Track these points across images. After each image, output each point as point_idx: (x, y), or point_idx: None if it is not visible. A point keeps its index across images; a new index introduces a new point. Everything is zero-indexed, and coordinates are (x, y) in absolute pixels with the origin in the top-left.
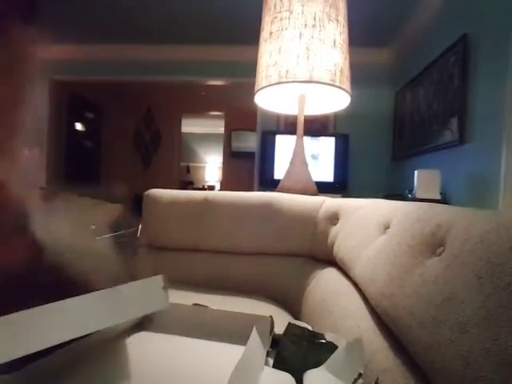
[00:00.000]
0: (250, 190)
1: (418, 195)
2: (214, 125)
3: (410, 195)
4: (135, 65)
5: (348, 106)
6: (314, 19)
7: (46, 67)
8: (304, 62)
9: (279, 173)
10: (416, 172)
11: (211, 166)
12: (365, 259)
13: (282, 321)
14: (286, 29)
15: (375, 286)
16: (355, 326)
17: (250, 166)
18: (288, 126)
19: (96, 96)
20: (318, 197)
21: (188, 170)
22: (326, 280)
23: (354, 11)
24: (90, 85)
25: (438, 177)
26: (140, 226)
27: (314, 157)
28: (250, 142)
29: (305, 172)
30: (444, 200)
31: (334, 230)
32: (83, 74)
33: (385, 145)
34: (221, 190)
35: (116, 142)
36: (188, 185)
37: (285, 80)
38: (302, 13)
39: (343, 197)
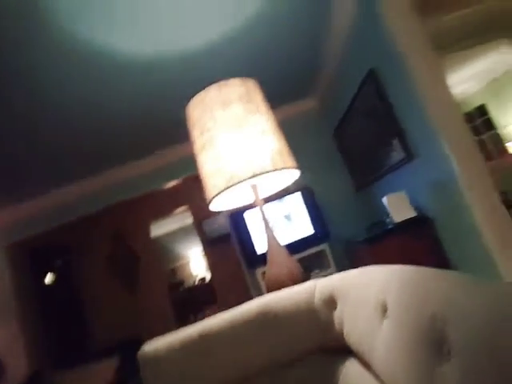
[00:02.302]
0: (240, 270)
1: (396, 219)
2: (183, 218)
3: (388, 219)
4: (90, 197)
5: (297, 161)
6: (238, 119)
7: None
8: (243, 160)
9: (260, 247)
10: (384, 199)
11: (195, 258)
12: (379, 355)
13: None
14: (216, 136)
15: None
16: None
17: (232, 247)
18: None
19: (60, 241)
20: (308, 283)
21: (174, 271)
22: (351, 381)
23: (270, 75)
24: (50, 233)
25: (405, 197)
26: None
27: (288, 217)
28: (223, 224)
29: (284, 256)
30: (420, 214)
31: (336, 315)
32: (39, 226)
33: (345, 180)
34: (211, 279)
35: (94, 279)
36: (178, 287)
37: (231, 183)
38: (225, 117)
39: (330, 244)
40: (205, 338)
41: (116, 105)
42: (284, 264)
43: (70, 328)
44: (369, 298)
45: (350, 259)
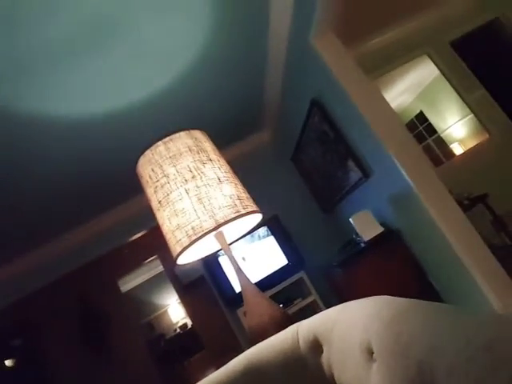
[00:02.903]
0: (220, 312)
1: (366, 237)
2: (153, 267)
3: (358, 238)
4: (46, 265)
5: (259, 195)
6: (191, 171)
7: None
8: (202, 212)
9: (238, 286)
10: (351, 219)
11: (172, 305)
12: None
13: None
14: (171, 192)
15: None
16: None
17: (208, 289)
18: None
19: (17, 317)
20: (289, 329)
21: (151, 325)
22: None
23: (219, 115)
24: (4, 310)
25: (370, 214)
26: None
27: (259, 252)
28: (196, 267)
29: (262, 300)
30: (388, 229)
31: (324, 359)
32: None
33: (310, 205)
34: (193, 325)
35: (61, 353)
36: (159, 340)
37: (195, 237)
38: (177, 171)
39: (306, 272)
40: None
41: (65, 167)
42: (263, 309)
43: None
44: (353, 339)
45: (329, 283)
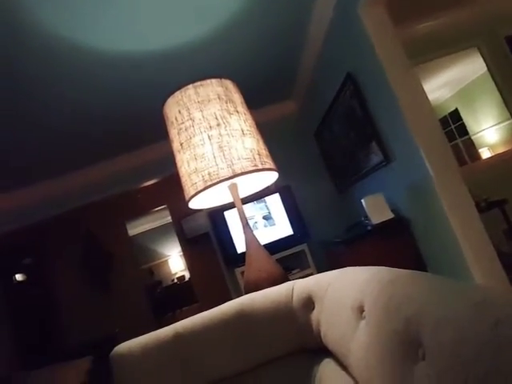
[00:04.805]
0: (219, 269)
1: (374, 221)
2: (162, 216)
3: (366, 221)
4: (64, 196)
5: (278, 162)
6: (216, 119)
7: None
8: (221, 160)
9: (240, 246)
10: (362, 201)
11: (173, 256)
12: (355, 357)
13: None
14: (194, 136)
15: None
16: None
17: (211, 246)
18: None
19: (31, 239)
20: (286, 284)
21: (151, 271)
22: (327, 381)
23: (249, 77)
24: (20, 231)
25: (382, 199)
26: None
27: (267, 217)
28: (202, 223)
29: (263, 257)
30: (398, 216)
31: (314, 316)
32: (9, 224)
33: (325, 182)
34: (191, 278)
35: (65, 279)
36: (156, 287)
37: (210, 183)
38: (203, 117)
39: (308, 245)
40: (180, 339)
41: (95, 102)
42: (263, 265)
43: (41, 328)
44: (346, 299)
45: (329, 260)
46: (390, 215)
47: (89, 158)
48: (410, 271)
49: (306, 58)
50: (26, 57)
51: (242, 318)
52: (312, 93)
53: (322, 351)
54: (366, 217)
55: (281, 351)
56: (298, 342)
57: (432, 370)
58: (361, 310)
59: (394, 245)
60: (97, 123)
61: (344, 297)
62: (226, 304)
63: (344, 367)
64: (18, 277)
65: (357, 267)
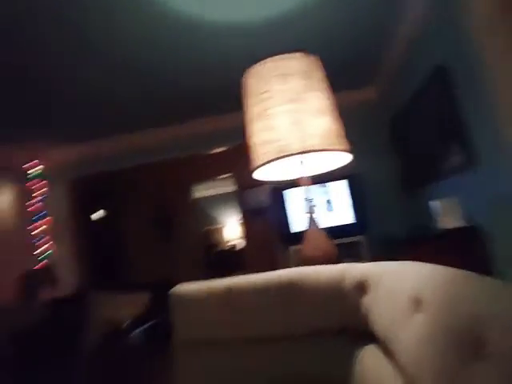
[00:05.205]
0: (272, 245)
1: (443, 225)
2: (225, 185)
3: (434, 224)
4: (143, 150)
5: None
6: (295, 93)
7: (65, 168)
8: (294, 134)
9: (296, 226)
10: (434, 203)
11: (230, 225)
12: (406, 347)
13: None
14: (271, 107)
15: None
16: None
17: (268, 221)
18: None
19: (112, 184)
20: (340, 265)
21: (209, 234)
22: (369, 364)
23: (332, 56)
24: (104, 175)
25: (456, 205)
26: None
27: (329, 202)
28: (263, 197)
29: (322, 237)
30: (471, 226)
31: (364, 301)
32: (97, 167)
33: (396, 176)
34: (245, 248)
35: (135, 224)
36: (212, 249)
37: (279, 155)
38: (282, 90)
39: (366, 237)
40: (231, 293)
41: (181, 66)
42: (321, 245)
43: (111, 260)
44: (403, 289)
45: (385, 255)
46: (462, 223)
47: (167, 118)
48: (474, 273)
49: (396, 43)
50: (126, 22)
51: (293, 287)
52: (395, 82)
53: (365, 336)
54: (435, 220)
55: (324, 327)
56: (342, 322)
57: (495, 371)
58: (418, 303)
59: (461, 255)
60: (181, 87)
61: (402, 287)
62: (278, 271)
63: (388, 355)
64: (98, 214)
65: (418, 262)
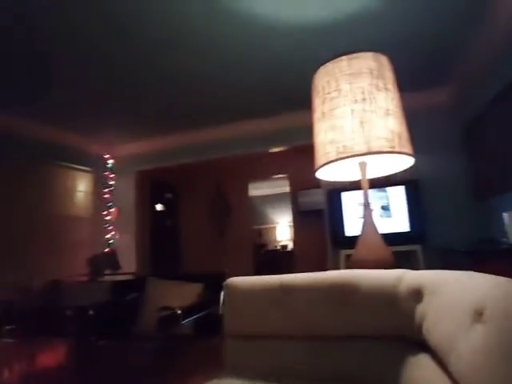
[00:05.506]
0: (324, 248)
1: None
2: (279, 185)
3: (504, 238)
4: (203, 146)
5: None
6: (363, 93)
7: (131, 161)
8: (359, 135)
9: (350, 229)
10: (505, 214)
11: (281, 225)
12: (462, 356)
13: None
14: (338, 107)
15: None
16: None
17: (321, 223)
18: (353, 181)
19: (172, 178)
20: (396, 270)
21: (260, 233)
22: (420, 372)
23: (404, 56)
24: (166, 170)
25: None
26: (221, 304)
27: (385, 208)
28: (317, 199)
29: (377, 240)
30: None
31: (419, 308)
32: (160, 161)
33: (460, 185)
34: (294, 249)
35: (191, 217)
36: (261, 248)
37: (343, 155)
38: (350, 90)
39: (423, 247)
40: (285, 289)
41: (248, 66)
42: (375, 249)
43: (168, 250)
44: (463, 299)
45: (443, 268)
46: None
47: (229, 116)
48: None
49: (479, 43)
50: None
51: (346, 288)
52: (472, 84)
53: (417, 345)
54: (505, 233)
55: (376, 331)
56: (395, 328)
57: None
58: (479, 313)
59: None
60: (244, 86)
61: (461, 297)
62: (331, 271)
63: (441, 365)
64: (159, 207)
65: (479, 273)
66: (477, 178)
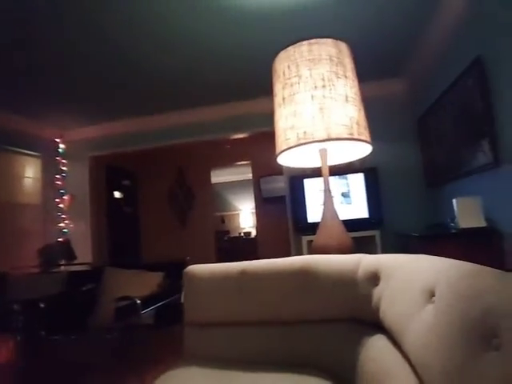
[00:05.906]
0: (286, 234)
1: (461, 224)
2: (242, 172)
3: (452, 224)
4: (163, 132)
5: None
6: (323, 80)
7: (85, 146)
8: (319, 121)
9: (312, 216)
10: (454, 201)
11: (245, 212)
12: (415, 336)
13: None
14: (298, 93)
15: (431, 374)
16: None
17: (283, 210)
18: (315, 168)
19: (130, 164)
20: (355, 255)
21: (222, 220)
22: (377, 353)
23: (362, 46)
24: (123, 155)
25: (478, 204)
26: (182, 294)
27: (345, 195)
28: (279, 186)
29: (338, 226)
30: (491, 227)
31: (376, 291)
32: (117, 147)
33: (415, 173)
34: (257, 235)
35: (152, 205)
36: (224, 234)
37: (303, 141)
38: (311, 76)
39: (381, 232)
40: (245, 276)
41: (209, 51)
42: (335, 234)
43: (127, 239)
44: (416, 281)
45: (400, 252)
46: (482, 223)
47: (190, 101)
48: (488, 267)
49: (431, 32)
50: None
51: (306, 274)
52: (426, 74)
53: (374, 326)
54: (454, 218)
55: (335, 315)
56: (353, 311)
57: (506, 360)
58: (431, 294)
59: (478, 256)
60: (206, 72)
61: (414, 279)
62: (292, 257)
63: (395, 345)
64: (117, 194)
65: (431, 256)
66: (429, 166)
